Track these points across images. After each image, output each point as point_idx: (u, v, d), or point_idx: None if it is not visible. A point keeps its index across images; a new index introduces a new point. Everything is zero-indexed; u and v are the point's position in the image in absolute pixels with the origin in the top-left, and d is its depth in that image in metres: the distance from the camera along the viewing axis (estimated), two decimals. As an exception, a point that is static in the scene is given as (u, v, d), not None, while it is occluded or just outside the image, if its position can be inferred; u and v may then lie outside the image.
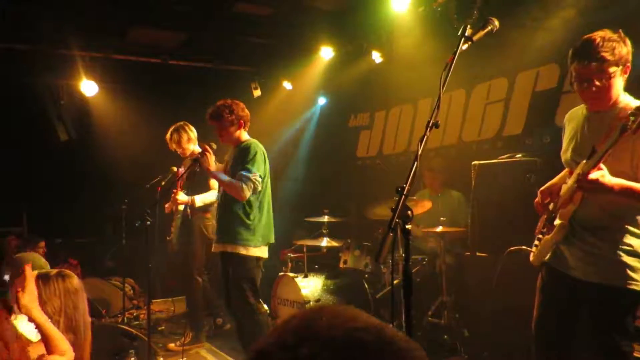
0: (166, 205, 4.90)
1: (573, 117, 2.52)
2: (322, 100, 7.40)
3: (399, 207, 1.49)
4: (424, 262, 4.77)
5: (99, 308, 5.39)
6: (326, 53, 6.32)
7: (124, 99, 6.76)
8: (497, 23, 2.10)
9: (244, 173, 3.62)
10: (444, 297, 4.38)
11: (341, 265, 5.19)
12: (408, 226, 1.50)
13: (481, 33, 2.04)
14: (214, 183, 4.62)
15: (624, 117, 2.06)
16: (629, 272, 2.22)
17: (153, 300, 5.51)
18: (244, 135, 3.88)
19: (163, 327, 5.43)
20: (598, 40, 2.17)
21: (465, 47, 1.98)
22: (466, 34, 1.95)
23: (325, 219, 5.23)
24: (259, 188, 3.69)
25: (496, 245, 3.83)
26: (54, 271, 2.42)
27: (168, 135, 4.86)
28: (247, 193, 3.62)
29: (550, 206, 2.53)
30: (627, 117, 2.03)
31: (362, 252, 5.05)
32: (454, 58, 1.87)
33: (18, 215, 6.46)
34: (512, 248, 3.86)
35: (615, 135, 2.05)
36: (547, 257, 2.48)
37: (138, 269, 5.85)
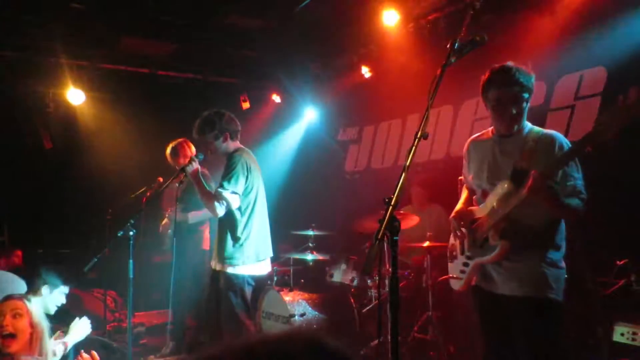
0: (162, 223, 4.86)
1: (478, 145, 2.65)
2: (311, 114, 7.40)
3: (387, 219, 1.47)
4: (410, 277, 4.74)
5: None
6: (316, 66, 6.34)
7: (111, 108, 6.68)
8: (485, 39, 2.12)
9: (218, 189, 3.53)
10: (430, 313, 4.35)
11: (327, 279, 5.14)
12: (396, 237, 1.48)
13: (469, 48, 2.06)
14: None
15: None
16: (551, 282, 2.36)
17: (135, 313, 5.41)
18: (232, 146, 3.72)
19: (145, 341, 5.31)
20: (514, 69, 2.35)
21: (453, 61, 1.99)
22: (455, 48, 1.96)
23: (312, 232, 5.19)
24: (234, 205, 3.55)
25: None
26: None
27: (168, 151, 4.77)
28: (219, 210, 3.52)
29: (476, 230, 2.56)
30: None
31: (348, 267, 5.00)
32: (442, 70, 1.88)
33: (-1, 225, 6.33)
34: (440, 278, 3.94)
35: None
36: (474, 280, 2.58)
37: (121, 281, 5.73)
